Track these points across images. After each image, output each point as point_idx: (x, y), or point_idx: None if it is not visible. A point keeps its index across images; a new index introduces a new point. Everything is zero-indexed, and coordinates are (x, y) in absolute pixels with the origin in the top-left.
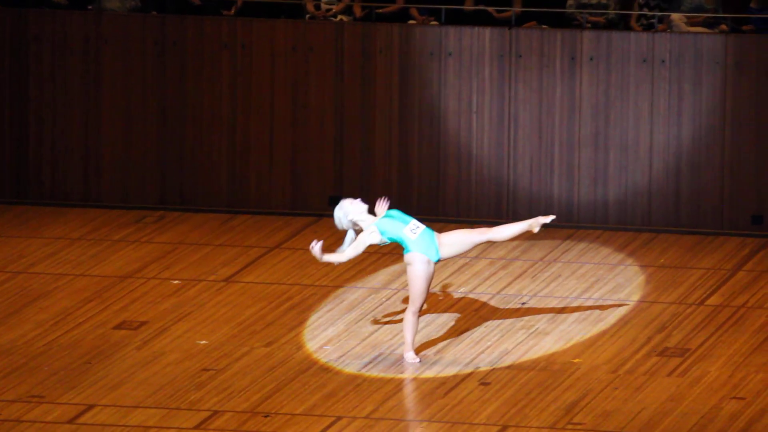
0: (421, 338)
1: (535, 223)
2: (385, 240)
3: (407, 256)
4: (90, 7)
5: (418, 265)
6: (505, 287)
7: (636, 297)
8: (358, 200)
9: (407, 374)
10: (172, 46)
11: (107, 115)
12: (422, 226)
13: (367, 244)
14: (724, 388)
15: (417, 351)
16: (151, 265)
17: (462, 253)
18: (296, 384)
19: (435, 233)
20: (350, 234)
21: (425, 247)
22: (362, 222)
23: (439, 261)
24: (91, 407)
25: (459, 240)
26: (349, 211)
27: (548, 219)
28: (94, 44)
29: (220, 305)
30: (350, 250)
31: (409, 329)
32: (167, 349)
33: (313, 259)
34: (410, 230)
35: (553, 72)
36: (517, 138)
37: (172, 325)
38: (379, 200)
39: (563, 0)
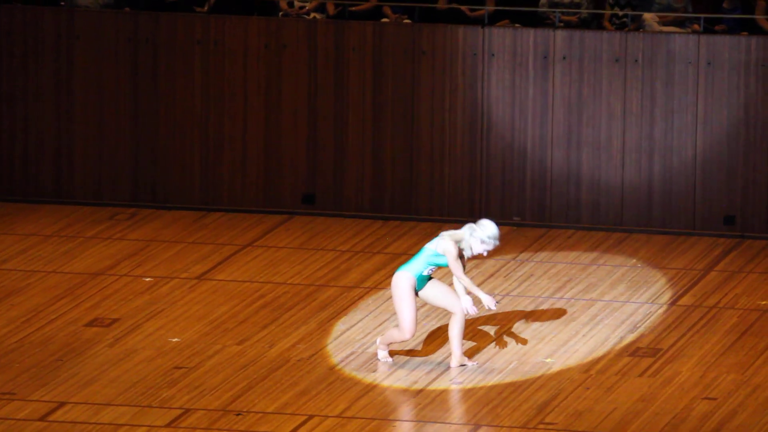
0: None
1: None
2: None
3: (397, 275)
4: (62, 3)
5: (405, 286)
6: (477, 286)
7: (608, 297)
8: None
9: (380, 372)
10: (144, 42)
11: (79, 111)
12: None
13: (453, 252)
14: (695, 388)
15: (385, 348)
16: (123, 262)
17: (435, 303)
18: (268, 382)
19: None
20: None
21: (419, 279)
22: (470, 251)
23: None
24: (62, 404)
25: (445, 289)
26: (475, 240)
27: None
28: (66, 40)
29: (192, 303)
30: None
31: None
32: (139, 346)
33: (285, 258)
34: (430, 269)
35: (525, 71)
36: (490, 137)
37: (144, 322)
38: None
39: None
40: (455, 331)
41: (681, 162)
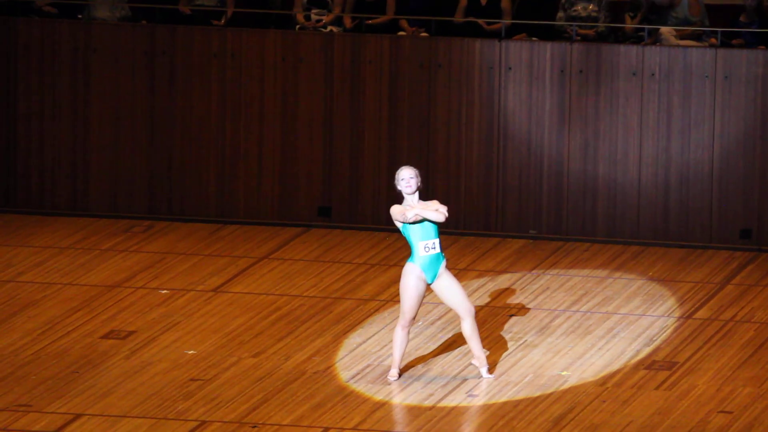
0: (409, 350)
1: (479, 359)
2: (403, 222)
3: (405, 266)
4: (80, 16)
5: (410, 277)
6: (493, 299)
7: (624, 310)
8: (415, 180)
9: (395, 386)
10: (161, 55)
11: (96, 124)
12: (438, 251)
13: (396, 212)
14: (711, 401)
15: (404, 362)
16: (139, 274)
17: (443, 301)
18: (284, 395)
19: (444, 263)
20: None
21: (426, 266)
22: (406, 197)
23: (429, 285)
24: (78, 416)
25: (455, 290)
26: (402, 179)
27: (484, 373)
28: (83, 53)
29: (208, 315)
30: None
31: (397, 345)
32: (155, 358)
33: (301, 270)
34: (424, 246)
35: (542, 84)
36: (507, 150)
37: (160, 334)
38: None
39: (553, 13)
40: (469, 332)
41: (697, 175)
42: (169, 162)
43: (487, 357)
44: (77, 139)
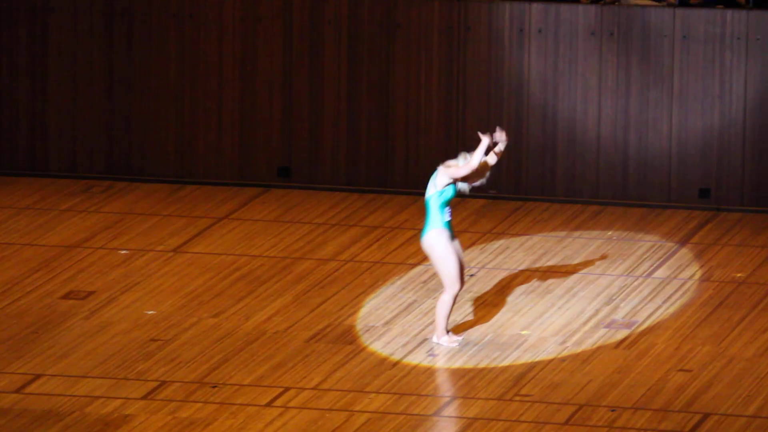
0: (369, 309)
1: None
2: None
3: (430, 235)
4: None
5: (444, 243)
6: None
7: (584, 270)
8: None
9: (355, 345)
10: (119, 16)
11: (54, 85)
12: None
13: (456, 167)
14: (670, 360)
15: (363, 320)
16: (98, 234)
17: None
18: (244, 355)
19: None
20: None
21: (449, 229)
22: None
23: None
24: (38, 377)
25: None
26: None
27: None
28: (41, 13)
29: (168, 275)
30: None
31: (445, 314)
32: (115, 319)
33: (261, 231)
34: (448, 210)
35: (501, 44)
36: (465, 110)
37: (119, 295)
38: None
39: None
40: (442, 309)
41: (656, 135)
42: (128, 122)
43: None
44: (35, 99)
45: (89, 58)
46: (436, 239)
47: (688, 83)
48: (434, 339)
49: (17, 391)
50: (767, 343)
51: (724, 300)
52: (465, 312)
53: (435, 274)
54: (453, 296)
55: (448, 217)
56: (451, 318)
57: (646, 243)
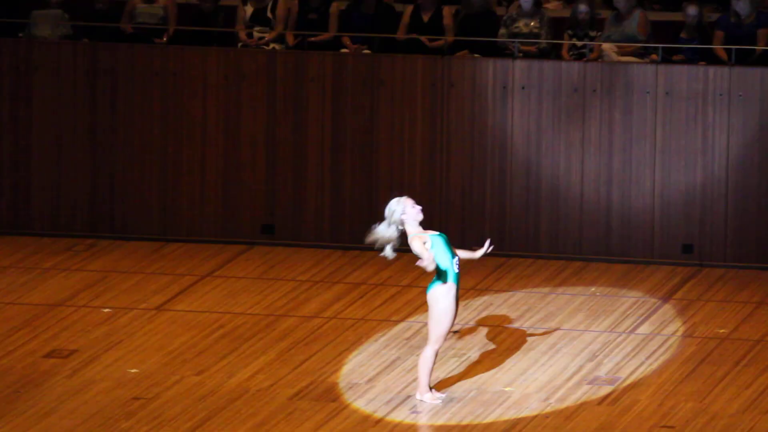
0: (352, 366)
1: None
2: (429, 254)
3: (437, 289)
4: (21, 34)
5: (450, 300)
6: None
7: (567, 326)
8: (418, 208)
9: (338, 403)
10: (103, 74)
11: (37, 142)
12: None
13: (417, 251)
14: (654, 416)
15: (346, 377)
16: (82, 293)
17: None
18: (227, 413)
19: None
20: (388, 232)
21: (457, 282)
22: (410, 228)
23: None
24: None
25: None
26: (407, 210)
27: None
28: (25, 72)
29: (151, 333)
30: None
31: (428, 368)
32: (98, 377)
33: (245, 288)
34: (455, 262)
35: (485, 101)
36: (450, 167)
37: (102, 353)
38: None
39: (495, 29)
40: (424, 365)
41: (639, 191)
42: (111, 180)
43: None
44: (19, 157)
45: (72, 116)
46: (442, 294)
47: (671, 139)
48: (417, 396)
49: None
50: (750, 399)
51: (707, 356)
52: (448, 368)
53: (419, 331)
54: (435, 352)
55: (456, 269)
56: (435, 375)
57: (630, 299)
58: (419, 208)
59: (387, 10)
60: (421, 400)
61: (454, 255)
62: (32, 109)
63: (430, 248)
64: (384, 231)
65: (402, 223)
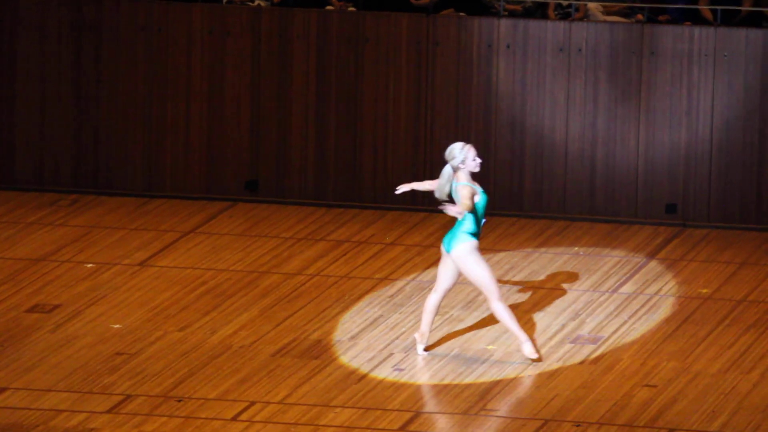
0: (334, 324)
1: (423, 335)
2: (469, 207)
3: (462, 246)
4: None
5: (475, 254)
6: (420, 274)
7: (550, 284)
8: (479, 160)
9: (321, 360)
10: (88, 29)
11: (21, 97)
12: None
13: (463, 196)
14: (636, 375)
15: (327, 335)
16: (65, 248)
17: (442, 269)
18: (210, 369)
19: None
20: (448, 170)
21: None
22: (462, 175)
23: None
24: (2, 390)
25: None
26: (467, 162)
27: (420, 350)
28: (9, 26)
29: (134, 289)
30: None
31: (509, 316)
32: (80, 332)
33: (228, 244)
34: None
35: (469, 59)
36: (434, 125)
37: (85, 308)
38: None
39: None
40: (503, 319)
41: (624, 151)
42: (95, 135)
43: (413, 330)
44: (2, 112)
45: (57, 71)
46: (467, 251)
47: (656, 99)
48: (524, 351)
49: None
50: (732, 358)
51: (689, 316)
52: (433, 326)
53: (402, 289)
54: (499, 301)
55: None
56: (414, 332)
57: (613, 258)
58: (479, 161)
59: None
60: (525, 354)
61: (484, 217)
62: (16, 63)
63: (476, 204)
64: (446, 174)
65: (457, 169)
